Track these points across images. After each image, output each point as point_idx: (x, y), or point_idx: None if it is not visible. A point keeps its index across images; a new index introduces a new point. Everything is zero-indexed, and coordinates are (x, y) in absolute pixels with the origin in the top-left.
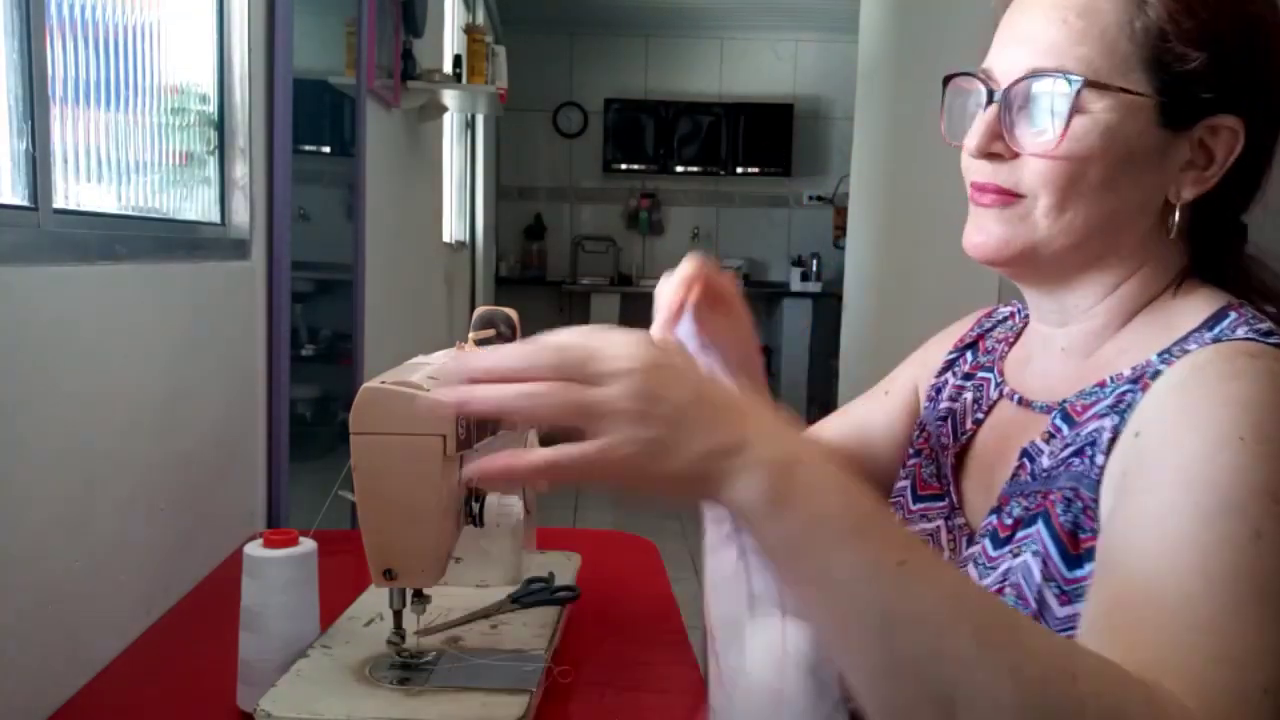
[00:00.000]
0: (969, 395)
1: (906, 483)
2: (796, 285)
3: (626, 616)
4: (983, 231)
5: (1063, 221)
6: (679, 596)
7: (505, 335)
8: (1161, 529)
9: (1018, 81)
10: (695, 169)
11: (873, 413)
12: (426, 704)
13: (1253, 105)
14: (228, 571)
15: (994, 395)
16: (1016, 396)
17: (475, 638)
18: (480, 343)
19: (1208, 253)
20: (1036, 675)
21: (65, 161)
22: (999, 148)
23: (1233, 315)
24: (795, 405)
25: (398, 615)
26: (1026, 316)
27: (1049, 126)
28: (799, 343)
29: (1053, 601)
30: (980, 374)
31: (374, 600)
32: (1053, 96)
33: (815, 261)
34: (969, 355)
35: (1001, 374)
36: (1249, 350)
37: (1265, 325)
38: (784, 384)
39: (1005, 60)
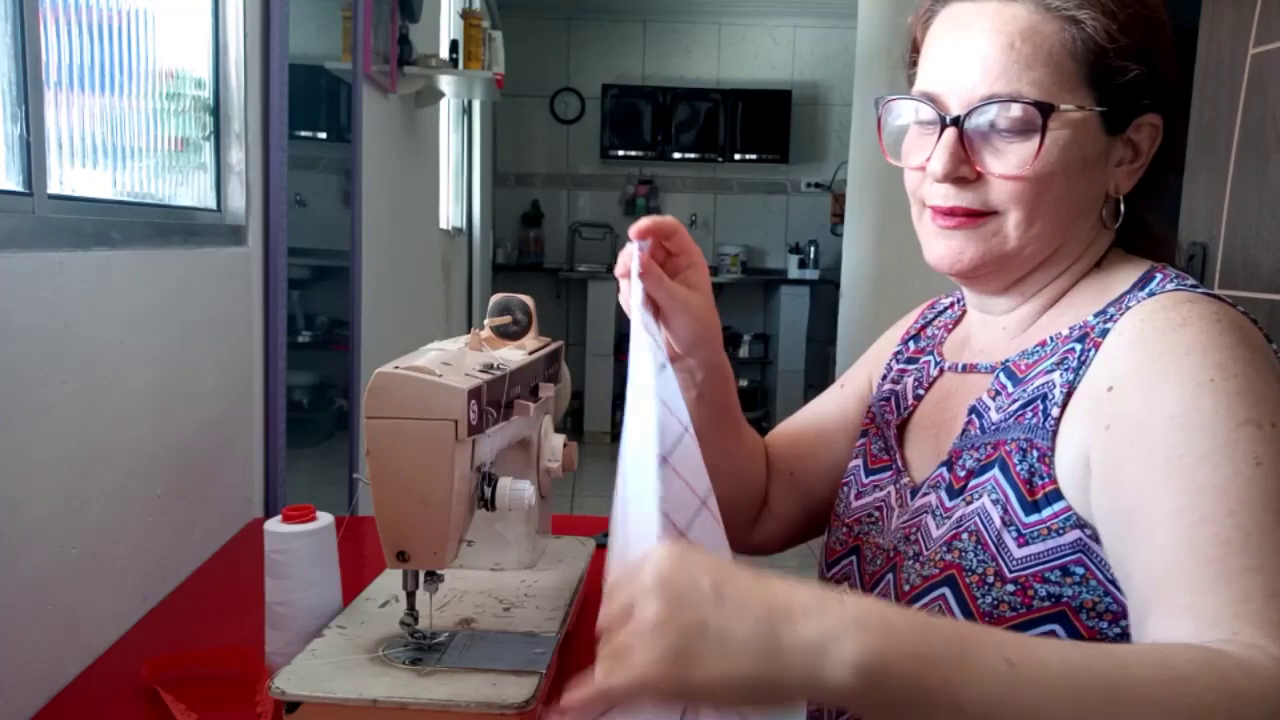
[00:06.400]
0: (910, 377)
1: (859, 461)
2: (794, 272)
3: None
4: (951, 247)
5: (1032, 232)
6: None
7: (521, 322)
8: (1174, 483)
9: (976, 108)
10: (693, 155)
11: (829, 405)
12: (437, 684)
13: (1168, 101)
14: (225, 557)
15: (934, 373)
16: (960, 365)
17: (488, 619)
18: (496, 329)
19: (1129, 231)
20: (1186, 707)
21: (60, 147)
22: (964, 171)
23: (1159, 276)
24: (792, 392)
25: (411, 597)
26: (965, 305)
27: (1017, 151)
28: (796, 329)
29: (1011, 544)
30: (922, 358)
31: (390, 583)
32: (1018, 122)
33: (813, 248)
34: (911, 345)
35: (941, 355)
36: (1186, 298)
37: (1190, 281)
38: (781, 371)
39: (956, 84)
